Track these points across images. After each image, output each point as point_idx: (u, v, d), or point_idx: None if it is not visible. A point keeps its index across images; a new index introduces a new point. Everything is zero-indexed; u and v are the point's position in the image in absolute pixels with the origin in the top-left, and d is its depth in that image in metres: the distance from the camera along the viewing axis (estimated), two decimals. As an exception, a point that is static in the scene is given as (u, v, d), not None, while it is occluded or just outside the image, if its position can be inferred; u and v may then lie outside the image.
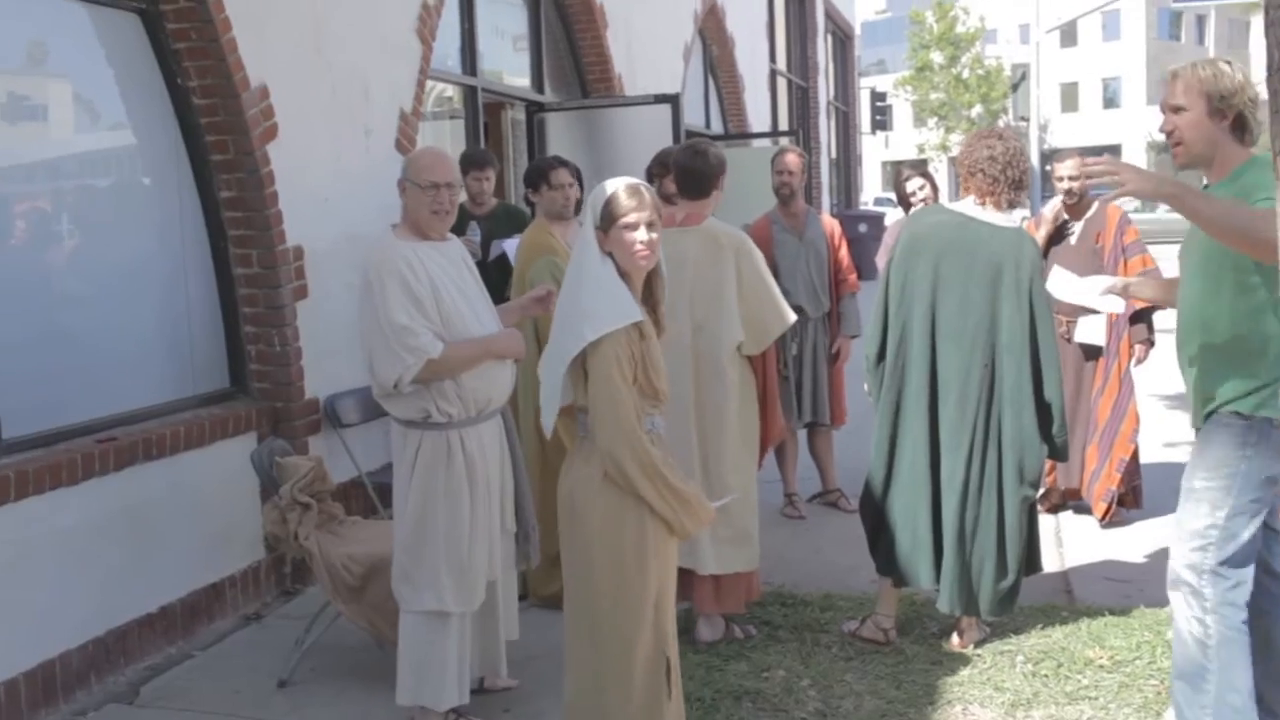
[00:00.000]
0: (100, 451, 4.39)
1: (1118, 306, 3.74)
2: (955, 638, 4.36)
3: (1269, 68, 2.20)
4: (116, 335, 4.82)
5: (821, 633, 4.51)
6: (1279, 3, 2.17)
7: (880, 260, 6.34)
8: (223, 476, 4.97)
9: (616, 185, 3.09)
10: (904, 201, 6.59)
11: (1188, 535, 3.29)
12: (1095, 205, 5.76)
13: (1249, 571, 3.24)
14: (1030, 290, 4.10)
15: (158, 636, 4.64)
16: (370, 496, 5.11)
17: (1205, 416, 3.28)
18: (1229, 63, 3.24)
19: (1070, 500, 6.08)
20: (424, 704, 3.77)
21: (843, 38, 23.44)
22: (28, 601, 4.05)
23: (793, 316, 4.47)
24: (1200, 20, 54.54)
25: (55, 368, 4.52)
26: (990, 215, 4.20)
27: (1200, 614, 3.25)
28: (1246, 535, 3.21)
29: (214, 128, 5.14)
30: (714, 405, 4.34)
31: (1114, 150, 52.64)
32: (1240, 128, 3.20)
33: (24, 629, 4.03)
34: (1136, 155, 51.52)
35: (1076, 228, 5.80)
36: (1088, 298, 4.11)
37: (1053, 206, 5.90)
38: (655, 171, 5.54)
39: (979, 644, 4.34)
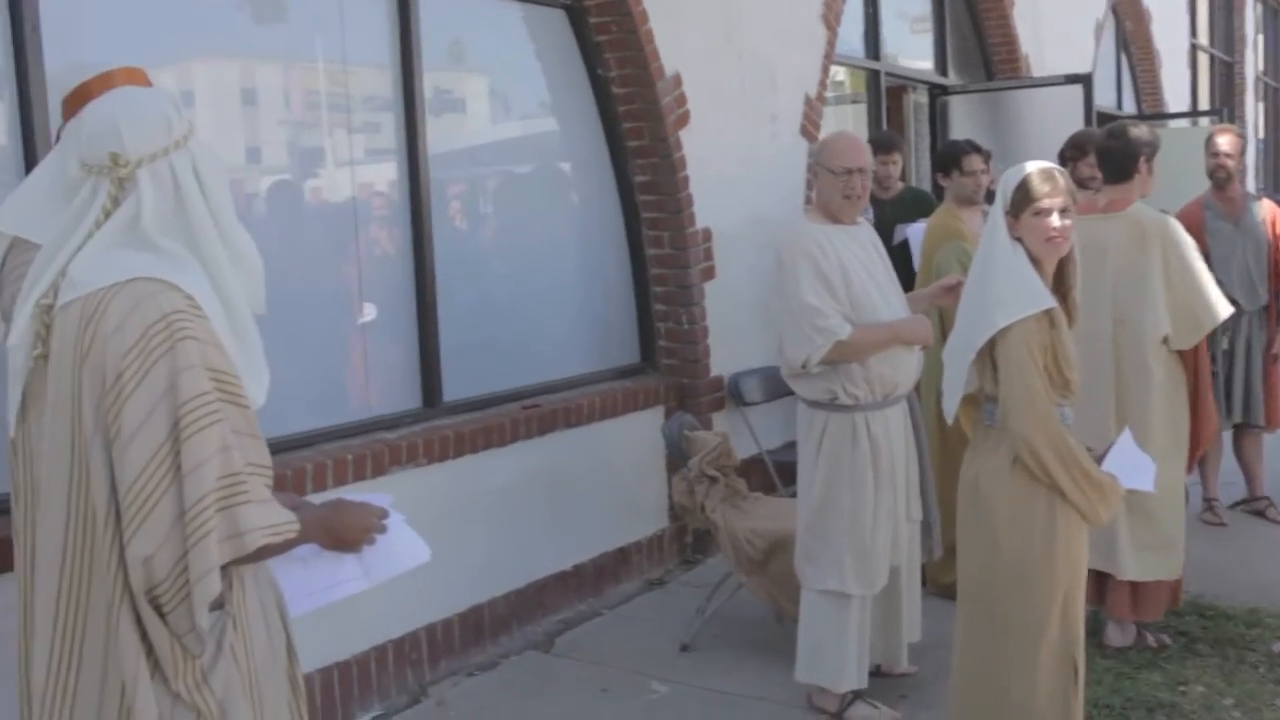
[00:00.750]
0: (525, 417, 4.74)
1: None
2: None
3: None
4: (541, 310, 5.18)
5: (1246, 650, 4.18)
6: None
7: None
8: (632, 447, 5.24)
9: (1029, 169, 3.04)
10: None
11: None
12: None
13: None
14: None
15: (570, 593, 4.95)
16: (770, 474, 5.22)
17: None
18: None
19: None
20: (822, 684, 3.81)
21: (1275, 6, 21.27)
22: (465, 550, 4.42)
23: (1227, 309, 4.15)
24: None
25: (488, 338, 4.92)
26: None
27: None
28: None
29: (630, 115, 5.41)
30: (1136, 404, 4.09)
31: None
32: None
33: (460, 575, 4.40)
34: None
35: None
36: None
37: None
38: (1069, 155, 5.31)
39: None
